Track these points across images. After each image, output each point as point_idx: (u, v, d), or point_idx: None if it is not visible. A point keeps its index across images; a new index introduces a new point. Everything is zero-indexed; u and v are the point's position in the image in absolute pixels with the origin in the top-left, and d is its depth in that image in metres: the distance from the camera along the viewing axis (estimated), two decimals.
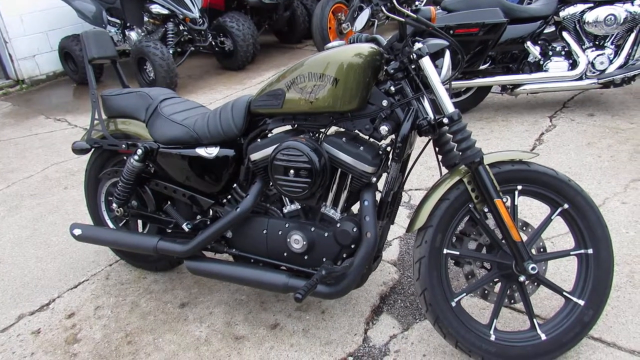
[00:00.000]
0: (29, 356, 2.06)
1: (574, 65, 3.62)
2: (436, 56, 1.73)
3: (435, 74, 1.64)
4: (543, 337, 1.73)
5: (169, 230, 2.23)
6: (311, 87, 1.73)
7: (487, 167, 1.67)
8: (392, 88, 1.71)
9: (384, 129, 1.70)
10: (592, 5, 3.54)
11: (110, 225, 2.46)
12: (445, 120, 1.66)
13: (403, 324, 2.04)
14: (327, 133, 1.83)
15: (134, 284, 2.43)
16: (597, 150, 3.23)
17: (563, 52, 3.67)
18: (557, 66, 3.63)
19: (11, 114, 5.28)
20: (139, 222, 2.39)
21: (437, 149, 1.78)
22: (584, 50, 3.60)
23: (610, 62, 3.56)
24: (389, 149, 1.78)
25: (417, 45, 1.65)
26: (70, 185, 3.51)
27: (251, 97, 1.93)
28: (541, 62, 3.66)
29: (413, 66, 1.67)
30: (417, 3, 1.63)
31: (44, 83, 6.35)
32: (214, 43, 5.70)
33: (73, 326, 2.19)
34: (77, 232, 2.25)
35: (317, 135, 1.84)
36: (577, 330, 1.73)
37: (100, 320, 2.21)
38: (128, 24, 5.62)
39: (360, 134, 1.81)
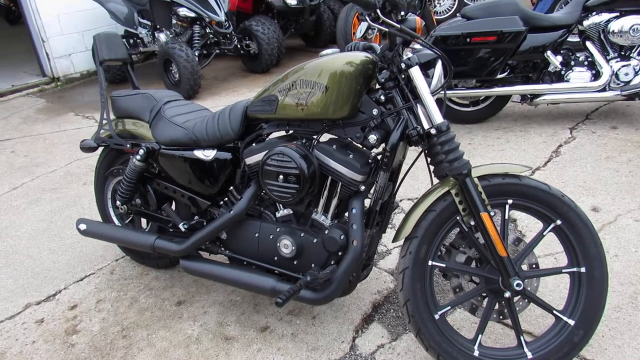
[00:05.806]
0: (30, 344, 2.14)
1: (596, 76, 3.50)
2: (428, 65, 1.71)
3: (424, 83, 1.63)
4: (529, 355, 1.69)
5: (171, 230, 2.29)
6: (303, 94, 1.74)
7: (475, 179, 1.64)
8: (383, 97, 1.71)
9: (372, 137, 1.69)
10: (617, 14, 3.42)
11: (116, 221, 2.54)
12: (433, 131, 1.64)
13: (392, 334, 2.02)
14: (321, 140, 1.84)
15: (136, 280, 2.50)
16: (616, 165, 3.12)
17: (586, 62, 3.56)
18: (578, 76, 3.52)
19: (44, 110, 5.50)
20: (143, 220, 2.46)
21: (428, 159, 1.76)
22: (608, 61, 3.48)
23: (636, 73, 3.43)
24: (379, 157, 1.77)
25: (407, 55, 1.64)
26: (89, 181, 3.63)
27: (248, 102, 1.96)
28: (562, 72, 3.56)
29: (403, 75, 1.66)
30: (402, 13, 1.60)
31: (77, 81, 6.59)
32: (239, 46, 5.79)
33: (74, 317, 2.27)
34: (83, 227, 2.33)
35: (309, 141, 1.86)
36: (565, 350, 1.68)
37: (100, 314, 2.28)
38: (158, 26, 5.77)
39: (353, 142, 1.81)
